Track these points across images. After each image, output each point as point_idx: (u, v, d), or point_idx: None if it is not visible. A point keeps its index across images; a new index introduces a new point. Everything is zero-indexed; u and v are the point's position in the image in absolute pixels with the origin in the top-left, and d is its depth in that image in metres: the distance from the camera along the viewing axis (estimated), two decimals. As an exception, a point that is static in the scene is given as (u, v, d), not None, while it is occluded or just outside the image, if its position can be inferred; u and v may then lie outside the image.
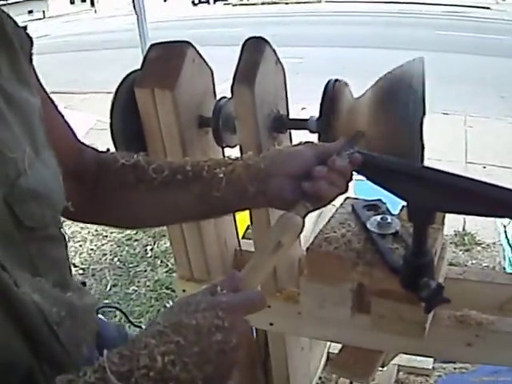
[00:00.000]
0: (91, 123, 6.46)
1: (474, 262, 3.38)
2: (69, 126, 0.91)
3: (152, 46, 1.22)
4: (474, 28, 14.60)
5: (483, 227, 3.67)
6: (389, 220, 1.13)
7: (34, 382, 0.63)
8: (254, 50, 1.10)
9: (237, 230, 1.50)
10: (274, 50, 1.15)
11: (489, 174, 4.82)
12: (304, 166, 0.84)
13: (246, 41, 1.12)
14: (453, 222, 3.66)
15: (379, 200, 1.23)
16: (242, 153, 1.16)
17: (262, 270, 0.71)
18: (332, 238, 1.13)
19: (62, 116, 0.89)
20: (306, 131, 1.18)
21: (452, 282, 1.31)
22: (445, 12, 19.77)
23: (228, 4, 38.62)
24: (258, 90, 1.08)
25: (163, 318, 0.62)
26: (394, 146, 1.00)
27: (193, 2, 42.11)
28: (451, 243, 3.58)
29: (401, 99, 1.00)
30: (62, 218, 0.80)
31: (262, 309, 0.66)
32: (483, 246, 3.54)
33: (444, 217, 1.23)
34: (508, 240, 2.34)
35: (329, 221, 1.21)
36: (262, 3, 33.26)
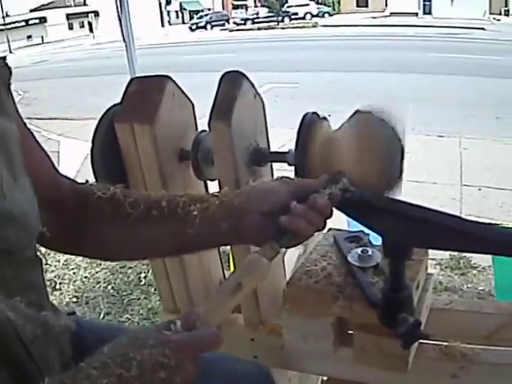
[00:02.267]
0: (87, 151, 6.46)
1: (469, 285, 3.35)
2: (47, 156, 0.92)
3: (132, 80, 1.23)
4: (468, 49, 14.75)
5: (478, 250, 3.64)
6: (369, 252, 1.12)
7: None
8: (232, 84, 1.11)
9: (221, 260, 1.49)
10: (252, 84, 1.15)
11: (484, 195, 4.82)
12: (278, 202, 0.83)
13: (224, 75, 1.13)
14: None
15: (361, 231, 1.23)
16: (220, 187, 1.16)
17: (220, 310, 0.71)
18: (312, 272, 1.13)
19: (40, 146, 0.90)
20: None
21: (438, 313, 1.30)
22: (438, 34, 19.99)
23: (225, 29, 39.14)
24: (235, 125, 1.08)
25: (109, 349, 0.62)
26: (371, 181, 0.99)
27: (190, 28, 42.65)
28: (446, 267, 3.56)
29: (379, 135, 1.00)
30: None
31: (216, 348, 0.65)
32: (479, 269, 3.51)
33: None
34: (495, 267, 2.32)
35: (310, 253, 1.20)
36: (258, 28, 33.71)
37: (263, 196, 0.85)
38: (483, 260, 3.55)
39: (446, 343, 1.17)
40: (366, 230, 1.23)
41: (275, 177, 0.93)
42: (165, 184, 1.21)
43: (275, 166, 1.29)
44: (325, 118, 1.12)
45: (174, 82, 1.21)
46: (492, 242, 0.77)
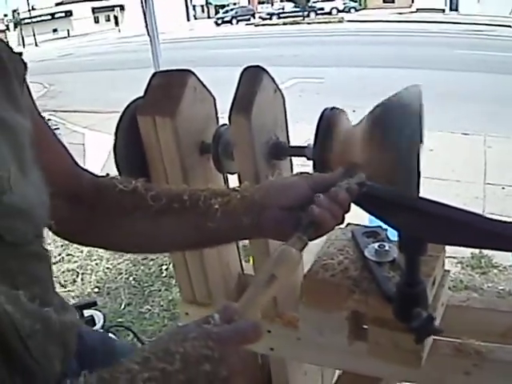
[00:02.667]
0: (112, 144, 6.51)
1: (490, 285, 3.33)
2: (65, 149, 0.93)
3: (155, 74, 1.25)
4: (494, 46, 14.53)
5: (500, 249, 3.61)
6: (386, 248, 1.13)
7: None
8: (252, 78, 1.12)
9: (239, 254, 1.51)
10: (272, 79, 1.16)
11: (507, 194, 4.77)
12: (298, 197, 0.84)
13: (245, 69, 1.14)
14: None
15: (379, 227, 1.23)
16: (240, 180, 1.17)
17: (256, 303, 0.70)
18: (329, 265, 1.14)
19: (58, 139, 0.92)
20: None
21: (454, 309, 1.31)
22: (464, 31, 19.73)
23: (250, 24, 39.07)
24: (254, 119, 1.09)
25: (151, 345, 0.62)
26: (388, 176, 1.00)
27: (216, 22, 42.69)
28: (467, 266, 3.54)
29: (395, 129, 1.00)
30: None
31: (257, 340, 0.64)
32: (500, 268, 3.49)
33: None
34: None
35: (328, 247, 1.21)
36: (284, 23, 33.60)
37: (283, 190, 0.86)
38: (505, 259, 3.53)
39: (460, 340, 1.17)
40: (384, 226, 1.25)
41: (295, 171, 0.94)
42: (186, 177, 1.23)
43: (296, 161, 1.30)
44: (344, 113, 1.13)
45: (196, 76, 1.22)
46: (509, 240, 0.78)
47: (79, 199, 0.92)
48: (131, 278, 3.72)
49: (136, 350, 0.64)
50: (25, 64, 0.82)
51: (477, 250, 3.68)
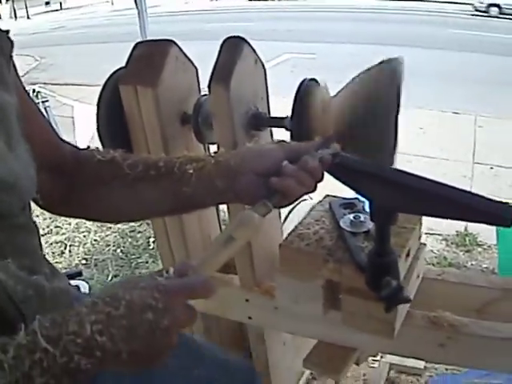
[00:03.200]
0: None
1: (473, 262, 3.37)
2: (49, 124, 0.95)
3: (137, 44, 1.24)
4: (488, 27, 14.46)
5: (486, 228, 3.64)
6: (362, 218, 1.15)
7: None
8: (232, 49, 1.12)
9: (220, 226, 1.52)
10: (253, 49, 1.16)
11: (495, 174, 4.80)
12: (273, 164, 0.85)
13: (225, 40, 1.14)
14: (455, 223, 3.65)
15: (356, 198, 1.25)
16: (218, 149, 1.18)
17: (212, 261, 0.73)
18: (305, 235, 1.15)
19: (41, 113, 0.94)
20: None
21: (430, 282, 1.33)
22: (459, 10, 19.59)
23: (245, -2, 38.53)
24: (233, 89, 1.10)
25: (101, 291, 0.66)
26: (365, 146, 1.01)
27: (210, -4, 42.09)
28: (452, 243, 3.58)
29: (372, 99, 1.01)
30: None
31: (208, 296, 0.67)
32: (484, 247, 3.53)
33: (421, 217, 1.23)
34: (499, 243, 2.32)
35: (304, 218, 1.23)
36: (279, -2, 33.16)
37: (259, 157, 0.87)
38: (489, 238, 3.56)
39: (434, 313, 1.19)
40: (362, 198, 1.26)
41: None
42: (166, 146, 1.23)
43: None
44: (323, 85, 1.13)
45: (178, 46, 1.22)
46: (476, 211, 0.79)
47: (60, 170, 0.94)
48: (119, 250, 3.73)
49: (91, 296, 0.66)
50: (11, 42, 0.82)
51: (462, 228, 3.71)
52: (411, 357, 1.32)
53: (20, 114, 0.79)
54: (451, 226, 3.68)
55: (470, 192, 0.83)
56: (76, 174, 0.94)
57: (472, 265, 3.34)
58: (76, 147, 0.99)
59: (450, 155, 5.26)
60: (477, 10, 18.87)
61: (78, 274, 2.56)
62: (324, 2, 24.82)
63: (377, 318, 1.07)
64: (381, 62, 1.06)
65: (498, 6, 18.22)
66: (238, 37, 1.14)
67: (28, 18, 30.88)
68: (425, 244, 1.29)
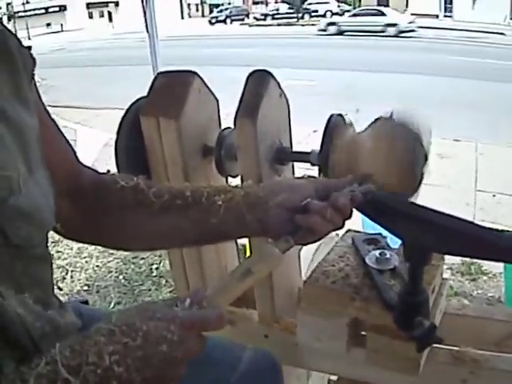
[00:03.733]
0: (104, 140, 6.47)
1: (479, 291, 3.35)
2: (69, 146, 0.93)
3: (158, 74, 1.24)
4: (487, 54, 14.64)
5: (490, 257, 3.64)
6: (387, 255, 1.14)
7: None
8: (259, 82, 1.12)
9: (239, 255, 1.50)
10: (278, 83, 1.16)
11: (498, 202, 4.80)
12: (303, 199, 0.84)
13: (252, 73, 1.14)
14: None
15: (379, 234, 1.24)
16: (242, 183, 1.17)
17: (228, 292, 0.72)
18: (330, 272, 1.14)
19: (63, 135, 0.91)
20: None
21: (450, 318, 1.31)
22: (458, 37, 19.84)
23: (245, 24, 39.09)
24: (260, 123, 1.09)
25: (118, 317, 0.64)
26: (391, 185, 1.00)
27: (210, 21, 42.65)
28: (457, 272, 3.55)
29: (404, 142, 1.00)
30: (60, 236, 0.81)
31: (220, 328, 0.67)
32: (489, 275, 3.50)
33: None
34: (507, 274, 2.32)
35: (328, 253, 1.22)
36: (278, 24, 33.64)
37: (289, 191, 0.86)
38: (494, 267, 3.54)
39: (456, 348, 1.18)
40: (384, 233, 1.25)
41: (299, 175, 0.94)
42: (187, 179, 1.22)
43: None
44: (348, 120, 1.13)
45: (200, 77, 1.22)
46: (509, 252, 0.78)
47: (81, 196, 0.91)
48: (121, 277, 3.69)
49: (104, 319, 0.65)
50: (33, 59, 0.81)
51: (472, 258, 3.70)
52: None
53: (40, 137, 0.77)
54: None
55: (499, 230, 0.81)
56: (98, 199, 0.92)
57: (478, 294, 3.32)
58: (96, 171, 0.96)
59: (452, 183, 5.26)
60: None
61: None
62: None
63: (402, 356, 1.06)
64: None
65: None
66: (264, 70, 1.14)
67: (29, 38, 31.21)
68: (446, 279, 1.28)
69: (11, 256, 0.68)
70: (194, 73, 1.21)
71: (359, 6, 44.89)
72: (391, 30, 21.44)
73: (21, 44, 0.78)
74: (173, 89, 1.20)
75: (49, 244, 0.81)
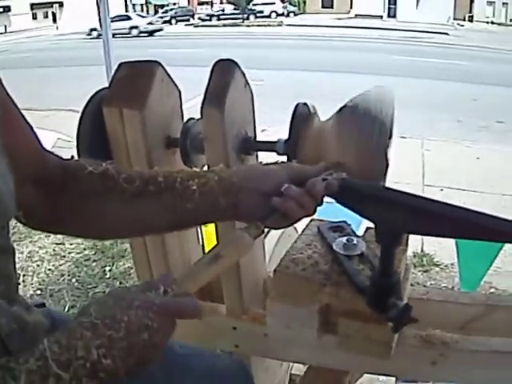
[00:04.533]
0: (52, 141, 6.30)
1: (432, 282, 3.43)
2: (33, 132, 0.89)
3: (121, 64, 1.21)
4: (431, 53, 15.04)
5: (441, 248, 3.73)
6: (354, 242, 1.15)
7: None
8: (225, 71, 1.11)
9: (203, 247, 1.49)
10: (243, 73, 1.16)
11: (446, 196, 4.92)
12: (277, 184, 0.85)
13: (217, 62, 1.13)
14: (411, 243, 3.71)
15: (344, 222, 1.25)
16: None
17: (197, 277, 0.73)
18: (299, 260, 1.14)
19: (28, 123, 0.87)
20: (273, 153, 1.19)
21: (416, 303, 1.33)
22: (402, 37, 20.32)
23: (190, 25, 38.90)
24: (227, 112, 1.08)
25: (97, 310, 0.64)
26: (358, 170, 1.01)
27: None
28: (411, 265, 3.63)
29: (364, 127, 1.02)
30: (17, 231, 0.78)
31: (196, 317, 0.69)
32: (441, 266, 3.60)
33: (408, 239, 1.25)
34: (460, 258, 2.39)
35: (295, 242, 1.22)
36: (224, 25, 33.65)
37: (262, 176, 0.86)
38: (446, 258, 3.64)
39: (425, 332, 1.20)
40: (349, 221, 1.27)
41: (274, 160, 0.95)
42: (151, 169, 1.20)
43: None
44: (314, 108, 1.14)
45: (163, 67, 1.20)
46: (484, 229, 0.80)
47: (46, 183, 0.88)
48: (74, 280, 3.62)
49: (83, 311, 0.65)
50: None
51: (419, 249, 3.79)
52: (404, 376, 1.32)
53: (1, 122, 0.74)
54: (408, 248, 3.74)
55: (472, 210, 0.83)
56: (64, 186, 0.88)
57: (431, 284, 3.40)
58: (61, 158, 0.93)
59: (400, 178, 5.36)
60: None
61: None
62: (267, 30, 25.29)
63: (375, 340, 1.07)
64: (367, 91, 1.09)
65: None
66: (230, 60, 1.13)
67: (-29, 40, 30.26)
68: (410, 264, 1.30)
69: None
70: (158, 62, 1.19)
71: (304, 8, 45.49)
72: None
73: None
74: (136, 79, 1.17)
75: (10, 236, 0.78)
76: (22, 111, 0.87)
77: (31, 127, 0.88)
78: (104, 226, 0.92)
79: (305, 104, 1.12)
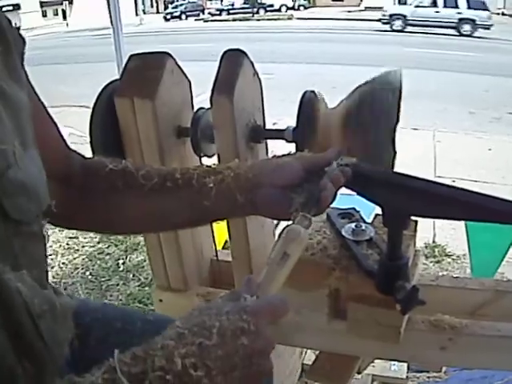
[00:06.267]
0: (64, 136, 6.34)
1: (444, 273, 3.42)
2: (58, 130, 0.92)
3: (131, 56, 1.23)
4: (443, 45, 14.94)
5: (453, 239, 3.73)
6: (363, 227, 1.16)
7: (13, 376, 0.61)
8: (233, 61, 1.13)
9: (214, 240, 1.51)
10: (251, 63, 1.17)
11: (458, 187, 4.90)
12: (292, 177, 0.85)
13: (225, 52, 1.15)
14: (423, 234, 3.72)
15: (353, 208, 1.26)
16: (219, 162, 1.18)
17: (275, 280, 0.69)
18: (308, 245, 1.15)
19: (52, 119, 0.90)
20: (283, 142, 1.21)
21: (425, 288, 1.34)
22: (413, 29, 20.17)
23: (200, 20, 38.85)
24: (236, 101, 1.10)
25: (182, 321, 0.59)
26: (366, 155, 1.03)
27: (165, 17, 42.23)
28: (421, 255, 3.62)
29: (372, 113, 1.03)
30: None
31: (285, 315, 0.64)
32: (453, 257, 3.59)
33: (416, 225, 1.26)
34: (470, 246, 2.40)
35: (305, 228, 1.23)
36: (234, 19, 33.59)
37: (277, 170, 0.86)
38: (458, 248, 3.63)
39: (433, 317, 1.21)
40: (358, 208, 1.28)
41: (286, 152, 0.95)
42: (162, 160, 1.22)
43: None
44: (321, 96, 1.15)
45: (174, 58, 1.22)
46: (492, 211, 0.81)
47: (69, 181, 0.91)
48: (88, 273, 3.65)
49: (168, 326, 0.60)
50: (23, 39, 0.80)
51: (430, 240, 3.79)
52: (413, 361, 1.32)
53: (31, 116, 0.76)
54: (420, 238, 3.73)
55: (482, 193, 0.84)
56: (86, 184, 0.91)
57: (443, 275, 3.40)
58: (83, 156, 0.96)
59: (411, 170, 5.27)
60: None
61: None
62: (277, 23, 25.23)
63: (383, 324, 1.08)
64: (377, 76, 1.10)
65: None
66: (238, 49, 1.15)
67: (-21, 39, 30.45)
68: (419, 250, 1.31)
69: (10, 232, 0.67)
70: (168, 54, 1.21)
71: (314, 1, 45.25)
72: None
73: (11, 24, 0.77)
74: (146, 70, 1.20)
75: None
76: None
77: (56, 125, 0.91)
78: (122, 222, 0.94)
79: (312, 92, 1.13)
